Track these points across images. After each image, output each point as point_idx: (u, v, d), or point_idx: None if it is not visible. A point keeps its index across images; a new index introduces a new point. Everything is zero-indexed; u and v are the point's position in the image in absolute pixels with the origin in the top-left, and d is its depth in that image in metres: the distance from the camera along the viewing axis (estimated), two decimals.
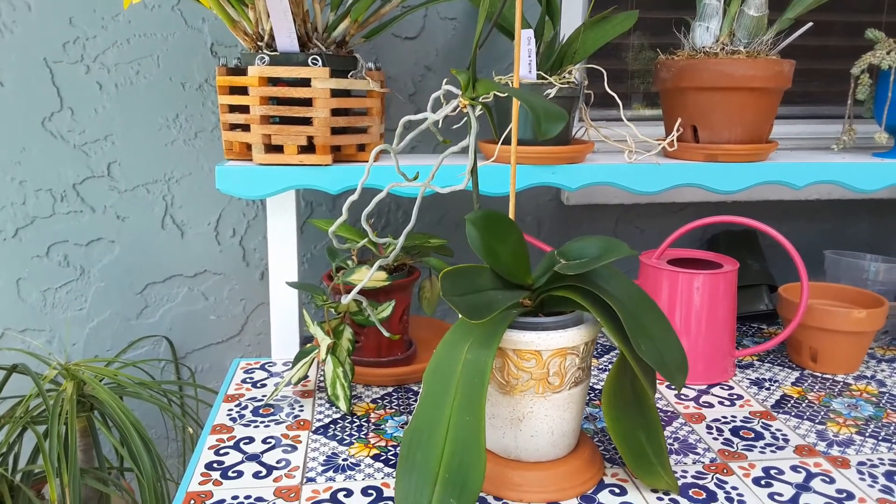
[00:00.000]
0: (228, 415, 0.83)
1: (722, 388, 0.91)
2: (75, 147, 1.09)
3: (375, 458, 0.73)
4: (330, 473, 0.70)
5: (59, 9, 1.03)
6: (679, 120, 0.92)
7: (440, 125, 0.63)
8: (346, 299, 0.69)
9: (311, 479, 0.69)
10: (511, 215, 0.65)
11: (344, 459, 0.73)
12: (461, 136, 1.06)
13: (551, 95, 0.88)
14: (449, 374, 0.61)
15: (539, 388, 0.65)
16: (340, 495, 0.66)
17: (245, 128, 0.90)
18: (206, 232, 1.15)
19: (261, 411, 0.84)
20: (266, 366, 0.97)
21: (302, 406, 0.85)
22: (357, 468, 0.71)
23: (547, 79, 0.88)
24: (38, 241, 1.12)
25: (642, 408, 0.67)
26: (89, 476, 0.87)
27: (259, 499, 0.66)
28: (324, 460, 0.73)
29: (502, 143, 0.91)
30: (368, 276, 0.66)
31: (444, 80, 0.88)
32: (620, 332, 0.61)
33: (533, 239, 0.99)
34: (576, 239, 0.64)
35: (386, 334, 0.79)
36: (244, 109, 0.89)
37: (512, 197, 0.65)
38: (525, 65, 0.87)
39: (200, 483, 0.68)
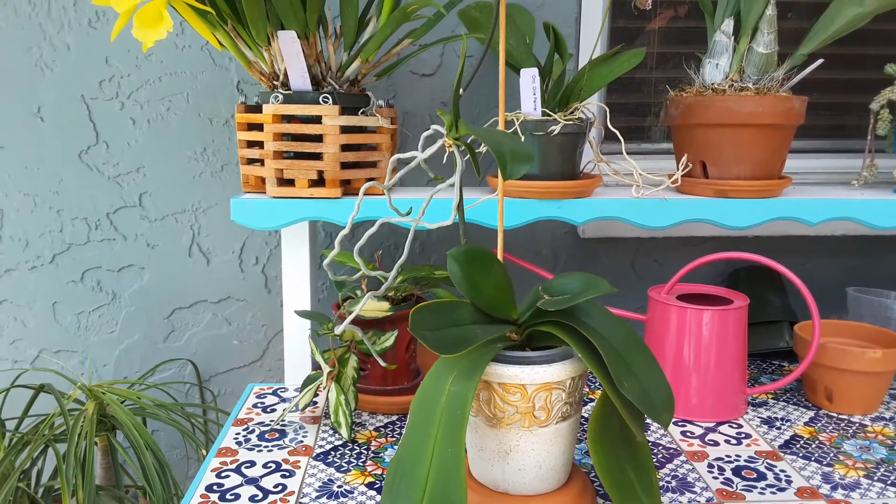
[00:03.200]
0: (235, 438, 0.85)
1: (731, 427, 0.89)
2: (109, 178, 1.15)
3: (370, 486, 0.75)
4: (323, 500, 0.72)
5: (96, 49, 1.10)
6: (685, 156, 0.92)
7: (444, 161, 0.65)
8: (339, 328, 0.71)
9: None
10: (499, 250, 0.66)
11: (339, 486, 0.74)
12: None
13: (556, 132, 0.89)
14: (433, 405, 0.63)
15: (525, 421, 0.65)
16: None
17: (261, 162, 0.94)
18: (231, 260, 1.19)
19: (266, 436, 0.86)
20: (278, 391, 1.00)
21: (307, 432, 0.87)
22: (350, 495, 0.73)
23: (551, 115, 0.89)
24: (74, 267, 1.18)
25: (631, 443, 0.67)
26: (106, 494, 0.90)
27: None
28: (319, 486, 0.74)
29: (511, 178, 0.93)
30: (359, 307, 0.68)
31: (428, 117, 0.90)
32: (603, 370, 0.61)
33: (540, 270, 1.00)
34: (560, 275, 0.65)
35: (382, 364, 0.81)
36: (260, 144, 0.93)
37: (500, 232, 0.66)
38: (530, 102, 0.89)
39: None
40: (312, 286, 0.99)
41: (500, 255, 0.67)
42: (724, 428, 0.89)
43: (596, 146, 1.00)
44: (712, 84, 0.93)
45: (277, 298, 1.21)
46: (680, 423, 0.90)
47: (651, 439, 0.86)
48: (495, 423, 0.66)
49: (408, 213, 0.68)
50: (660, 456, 0.82)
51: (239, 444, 0.84)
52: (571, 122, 0.90)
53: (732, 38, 0.91)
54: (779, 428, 0.89)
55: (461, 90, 0.58)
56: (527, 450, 0.66)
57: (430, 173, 0.67)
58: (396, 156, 0.64)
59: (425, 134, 0.65)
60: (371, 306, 0.87)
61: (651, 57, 1.27)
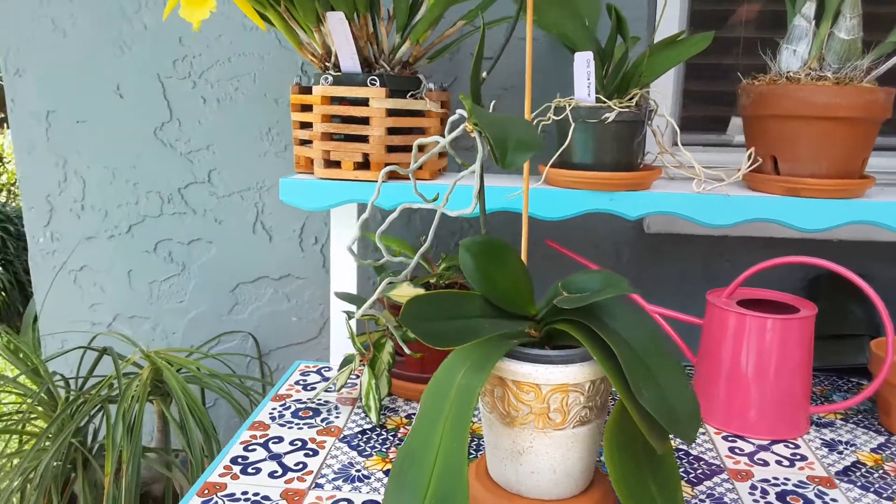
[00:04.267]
0: (271, 414, 0.87)
1: (786, 446, 0.83)
2: (181, 155, 1.20)
3: (387, 472, 0.74)
4: (339, 482, 0.72)
5: (171, 29, 1.14)
6: (752, 149, 0.85)
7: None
8: (358, 314, 0.70)
9: (318, 486, 0.71)
10: (524, 241, 0.64)
11: (357, 470, 0.74)
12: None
13: (609, 119, 0.84)
14: (444, 397, 0.61)
15: (539, 423, 0.63)
16: None
17: (311, 143, 0.95)
18: (292, 238, 1.21)
19: (301, 413, 0.87)
20: (322, 370, 1.01)
21: (339, 413, 0.87)
22: (366, 481, 0.72)
23: (605, 102, 0.84)
24: (148, 238, 1.24)
25: (653, 454, 0.63)
26: (155, 457, 0.95)
27: (265, 497, 0.69)
28: (338, 468, 0.74)
29: (560, 167, 0.89)
30: (378, 292, 0.67)
31: (492, 109, 0.87)
32: (620, 375, 0.57)
33: (592, 264, 0.96)
34: (581, 272, 0.61)
35: (407, 352, 0.80)
36: (311, 126, 0.94)
37: (525, 223, 0.63)
38: (584, 87, 0.85)
39: (220, 475, 0.73)
40: (360, 268, 0.99)
41: (524, 247, 0.64)
42: (779, 447, 0.82)
43: (660, 136, 0.94)
44: (787, 72, 0.85)
45: None
46: (730, 438, 0.84)
47: (694, 452, 0.80)
48: (509, 422, 0.64)
49: (434, 200, 0.66)
50: (699, 471, 0.76)
51: (273, 419, 0.85)
52: (627, 110, 0.85)
53: (813, 23, 0.83)
54: (840, 452, 0.82)
55: (484, 74, 0.56)
56: (540, 452, 0.63)
57: (456, 159, 0.65)
58: (418, 140, 0.62)
59: (451, 119, 0.63)
60: (407, 292, 0.86)
61: (738, 42, 1.19)
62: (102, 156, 1.21)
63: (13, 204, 3.82)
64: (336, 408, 0.89)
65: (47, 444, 0.88)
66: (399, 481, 0.62)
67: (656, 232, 1.13)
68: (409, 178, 0.92)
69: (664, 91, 1.14)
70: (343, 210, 0.97)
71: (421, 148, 0.78)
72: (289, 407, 0.89)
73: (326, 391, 0.91)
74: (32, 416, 0.98)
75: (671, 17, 1.12)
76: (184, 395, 0.94)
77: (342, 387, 0.88)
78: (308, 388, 0.95)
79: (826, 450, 0.82)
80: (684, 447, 0.81)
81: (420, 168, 0.89)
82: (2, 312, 3.10)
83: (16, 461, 0.91)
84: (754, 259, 1.15)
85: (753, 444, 0.83)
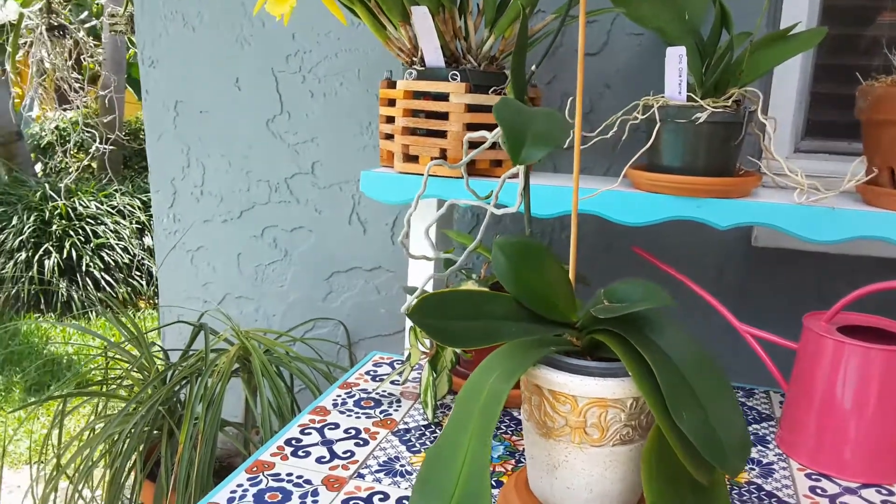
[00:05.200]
0: (334, 401, 0.89)
1: (879, 492, 0.73)
2: (289, 146, 1.25)
3: None
4: (380, 475, 0.72)
5: (286, 26, 1.19)
6: (863, 158, 0.76)
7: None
8: (403, 307, 0.69)
9: (360, 476, 0.71)
10: (573, 244, 0.60)
11: (402, 465, 0.74)
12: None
13: (701, 119, 0.78)
14: (474, 401, 0.59)
15: (575, 437, 0.59)
16: (376, 498, 0.68)
17: (394, 137, 0.96)
18: (384, 231, 1.23)
19: (362, 403, 0.88)
20: (394, 363, 1.01)
21: (399, 406, 0.88)
22: (407, 476, 0.72)
23: (698, 101, 0.78)
24: (256, 224, 1.31)
25: (701, 486, 0.58)
26: (233, 430, 1.00)
27: (306, 481, 0.70)
28: (383, 461, 0.75)
29: (645, 170, 0.84)
30: (423, 284, 0.66)
31: (594, 106, 0.84)
32: (657, 394, 0.53)
33: (689, 281, 0.90)
34: (624, 280, 0.57)
35: (458, 351, 0.78)
36: (394, 120, 0.95)
37: (574, 223, 0.60)
38: (675, 84, 0.80)
39: (272, 454, 0.75)
40: (436, 263, 0.99)
41: (573, 252, 0.61)
42: (869, 492, 0.73)
43: (767, 139, 0.86)
44: None
45: None
46: (814, 476, 0.75)
47: (768, 487, 0.73)
48: (545, 433, 0.61)
49: (486, 197, 0.64)
50: None
51: (335, 405, 0.87)
52: (723, 110, 0.78)
53: None
54: None
55: (534, 66, 0.53)
56: (576, 468, 0.60)
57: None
58: (468, 135, 0.61)
59: None
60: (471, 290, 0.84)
61: (879, 43, 1.06)
62: (220, 144, 1.29)
63: None
64: (398, 401, 0.89)
65: (137, 408, 0.95)
66: (425, 484, 0.60)
67: (765, 246, 1.04)
68: (490, 176, 0.91)
69: (786, 93, 1.05)
70: (423, 205, 0.97)
71: (472, 144, 0.76)
72: (353, 395, 0.90)
73: (392, 383, 0.91)
74: (127, 382, 1.07)
75: (797, 11, 1.02)
76: (266, 375, 0.99)
77: (406, 381, 0.88)
78: (377, 378, 0.96)
79: None
80: (758, 480, 0.74)
81: (473, 163, 0.88)
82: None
83: (102, 425, 1.00)
84: (873, 280, 1.03)
85: (839, 485, 0.74)
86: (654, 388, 0.53)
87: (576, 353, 0.60)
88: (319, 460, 0.74)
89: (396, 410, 0.86)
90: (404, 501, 0.67)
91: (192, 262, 1.38)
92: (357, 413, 0.85)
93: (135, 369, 1.04)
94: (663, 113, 0.80)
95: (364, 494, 0.68)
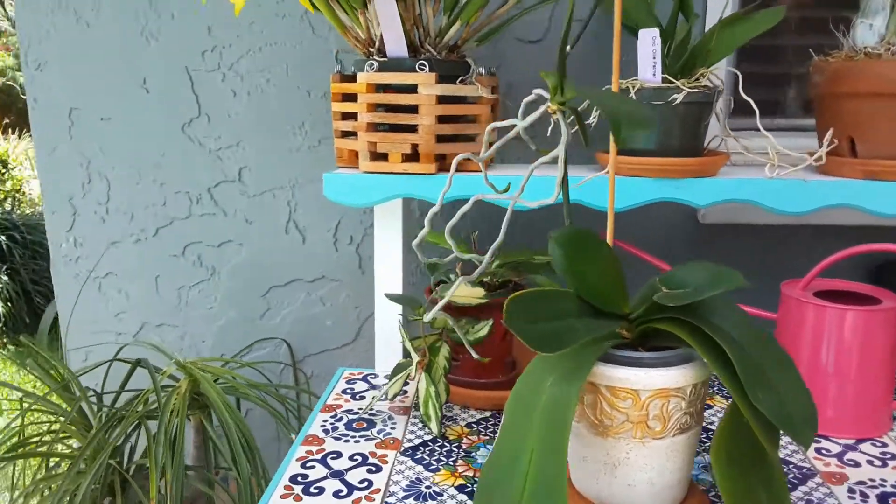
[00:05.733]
0: (323, 426, 0.82)
1: (873, 445, 0.77)
2: (210, 152, 1.15)
3: (460, 488, 0.69)
4: (410, 501, 0.67)
5: (200, 18, 1.08)
6: (831, 131, 0.80)
7: (547, 133, 0.58)
8: (428, 316, 0.65)
9: None
10: (609, 234, 0.58)
11: (427, 487, 0.69)
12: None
13: (678, 101, 0.79)
14: (530, 408, 0.56)
15: (637, 432, 0.57)
16: None
17: (354, 135, 0.89)
18: (326, 238, 1.16)
19: (354, 425, 0.82)
20: (368, 377, 0.95)
21: (395, 423, 0.82)
22: (439, 498, 0.67)
23: (673, 82, 0.79)
24: (176, 241, 1.19)
25: (763, 461, 0.58)
26: (196, 474, 0.90)
27: None
28: (406, 485, 0.69)
29: (620, 154, 0.83)
30: (450, 293, 0.62)
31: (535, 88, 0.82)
32: (734, 378, 0.52)
33: (655, 259, 0.91)
34: (683, 265, 0.56)
35: (475, 356, 0.75)
36: (354, 116, 0.89)
37: (611, 213, 0.58)
38: (649, 67, 0.80)
39: (282, 496, 0.67)
40: (405, 268, 0.94)
41: (609, 240, 0.59)
42: (866, 446, 0.77)
43: (723, 119, 0.89)
44: (864, 48, 0.79)
45: (371, 279, 1.17)
46: (815, 439, 0.79)
47: (780, 455, 0.75)
48: (601, 432, 0.59)
49: (505, 190, 0.61)
50: (791, 476, 0.71)
51: (326, 431, 0.80)
52: (697, 91, 0.79)
53: None
54: None
55: (568, 47, 0.50)
56: (638, 464, 0.58)
57: (531, 145, 0.60)
58: (493, 124, 0.57)
59: (527, 99, 0.58)
60: (464, 292, 0.80)
61: (786, 21, 1.13)
62: (128, 155, 1.16)
63: (18, 211, 3.77)
64: (390, 417, 0.84)
65: (82, 465, 0.83)
66: (486, 502, 0.57)
67: (712, 222, 1.08)
68: (462, 170, 0.87)
69: (720, 73, 1.09)
70: (387, 206, 0.92)
71: (473, 138, 0.72)
72: (340, 418, 0.84)
73: (381, 400, 0.86)
74: (63, 435, 0.93)
75: None
76: (226, 409, 0.89)
77: (396, 395, 0.83)
78: (357, 396, 0.90)
79: None
80: None
81: (444, 158, 0.84)
82: (8, 324, 3.04)
83: (53, 486, 0.87)
84: (816, 249, 1.10)
85: (839, 443, 0.78)
86: (730, 370, 0.52)
87: (625, 346, 0.58)
88: (338, 495, 0.68)
89: (394, 428, 0.81)
90: None
91: (99, 290, 1.23)
92: (354, 437, 0.79)
93: (68, 420, 0.91)
94: (640, 96, 0.80)
95: None
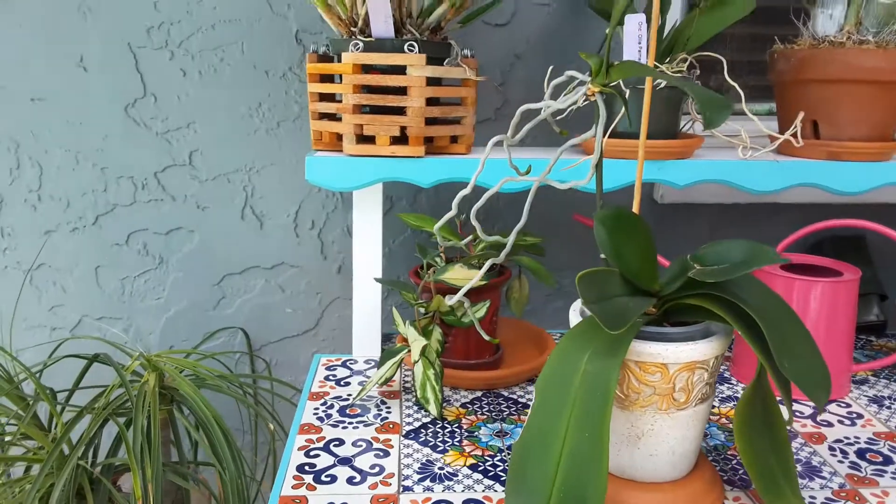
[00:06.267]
0: (315, 413, 0.79)
1: (839, 406, 0.84)
2: (157, 135, 1.08)
3: (473, 468, 0.69)
4: (427, 483, 0.66)
5: None
6: (802, 114, 0.85)
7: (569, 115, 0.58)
8: (453, 300, 0.64)
9: (408, 489, 0.65)
10: (636, 207, 0.60)
11: (440, 468, 0.69)
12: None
13: (662, 85, 0.82)
14: (566, 386, 0.57)
15: (663, 403, 0.59)
16: None
17: (334, 117, 0.87)
18: (286, 224, 1.12)
19: (347, 411, 0.80)
20: (347, 363, 0.94)
21: (389, 408, 0.81)
22: (455, 478, 0.67)
23: (659, 67, 0.82)
24: (119, 229, 1.11)
25: (773, 428, 0.61)
26: (169, 470, 0.85)
27: None
28: (419, 468, 0.69)
29: (610, 138, 0.85)
30: (479, 276, 0.62)
31: (550, 68, 0.83)
32: (762, 346, 0.55)
33: None
34: (713, 242, 0.58)
35: (486, 337, 0.75)
36: (333, 98, 0.86)
37: (637, 193, 0.59)
38: (634, 52, 0.82)
39: (294, 487, 0.65)
40: (386, 254, 0.92)
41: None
42: (833, 407, 0.84)
43: (692, 103, 0.93)
44: (826, 36, 0.85)
45: (333, 265, 1.14)
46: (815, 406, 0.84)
47: None
48: (627, 405, 0.60)
49: (527, 172, 0.61)
50: None
51: (321, 419, 0.78)
52: (680, 75, 0.82)
53: None
54: (889, 407, 0.84)
55: (608, 30, 0.51)
56: (662, 434, 0.60)
57: (555, 127, 0.60)
58: (526, 105, 0.57)
59: (556, 81, 0.58)
60: (461, 275, 0.80)
61: None
62: (63, 138, 1.07)
63: None
64: (383, 402, 0.82)
65: (54, 470, 0.77)
66: (518, 482, 0.57)
67: (669, 202, 1.12)
68: (449, 153, 0.86)
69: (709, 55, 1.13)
70: (368, 190, 0.90)
71: (459, 121, 0.72)
72: (331, 405, 0.82)
73: (377, 385, 0.84)
74: (18, 436, 0.85)
75: None
76: (202, 402, 0.85)
77: (387, 380, 0.82)
78: (342, 382, 0.88)
79: (875, 406, 0.84)
80: None
81: (431, 140, 0.83)
82: None
83: (18, 490, 0.79)
84: (763, 226, 1.17)
85: (808, 406, 0.84)
86: (760, 341, 0.55)
87: (650, 322, 0.60)
88: (352, 481, 0.66)
89: (389, 412, 0.80)
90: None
91: (31, 283, 1.13)
92: (352, 423, 0.77)
93: (25, 421, 0.83)
94: (626, 80, 0.82)
95: None
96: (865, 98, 0.83)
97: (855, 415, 0.82)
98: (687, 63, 0.84)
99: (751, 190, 0.86)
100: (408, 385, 0.87)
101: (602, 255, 0.58)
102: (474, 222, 0.60)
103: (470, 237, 0.75)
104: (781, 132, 0.89)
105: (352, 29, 0.83)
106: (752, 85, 1.21)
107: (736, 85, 0.80)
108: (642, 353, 0.58)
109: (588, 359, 0.56)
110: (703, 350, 0.58)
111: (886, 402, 0.85)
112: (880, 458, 0.72)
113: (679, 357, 0.57)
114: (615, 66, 0.52)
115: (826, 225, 0.85)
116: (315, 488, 0.65)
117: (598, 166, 0.56)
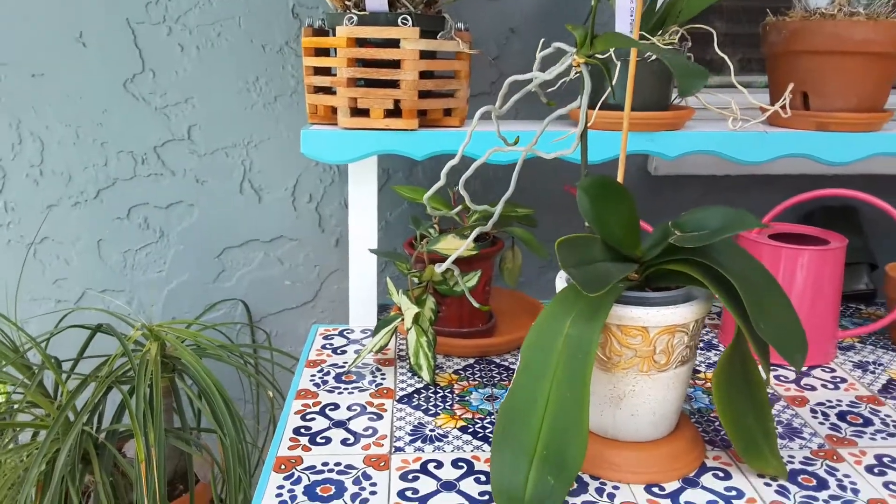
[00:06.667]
0: (311, 380, 0.82)
1: (824, 371, 0.86)
2: (156, 109, 1.09)
3: (463, 429, 0.71)
4: (418, 444, 0.68)
5: None
6: (791, 85, 0.86)
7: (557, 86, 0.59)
8: (441, 267, 0.66)
9: (399, 449, 0.67)
10: (620, 176, 0.61)
11: (431, 430, 0.71)
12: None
13: (653, 57, 0.83)
14: (549, 349, 0.59)
15: (644, 366, 0.61)
16: (430, 466, 0.65)
17: (329, 90, 0.88)
18: (283, 197, 1.14)
19: (343, 378, 0.82)
20: (344, 332, 0.96)
21: (384, 374, 0.83)
22: (445, 439, 0.69)
23: (650, 39, 0.82)
24: (120, 203, 1.13)
25: (752, 389, 0.63)
26: (172, 436, 0.88)
27: (349, 466, 0.65)
28: (411, 430, 0.71)
29: (601, 109, 0.87)
30: (466, 245, 0.63)
31: (541, 41, 0.84)
32: (740, 310, 0.57)
33: None
34: (694, 209, 0.60)
35: (476, 305, 0.77)
36: (328, 72, 0.87)
37: (622, 163, 0.61)
38: (625, 24, 0.83)
39: (290, 448, 0.68)
40: (381, 226, 0.94)
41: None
42: (818, 372, 0.86)
43: None
44: (817, 8, 0.86)
45: (332, 238, 1.16)
46: (772, 367, 0.86)
47: None
48: (609, 367, 0.62)
49: (515, 143, 0.63)
50: None
51: (317, 385, 0.80)
52: (670, 47, 0.83)
53: None
54: (873, 372, 0.86)
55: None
56: (643, 395, 0.62)
57: (542, 98, 0.61)
58: (513, 77, 0.58)
59: (543, 53, 0.59)
60: (453, 244, 0.82)
61: None
62: (64, 113, 1.09)
63: None
64: (378, 369, 0.85)
65: (59, 436, 0.79)
66: (503, 440, 0.60)
67: (663, 174, 1.14)
68: (442, 126, 0.88)
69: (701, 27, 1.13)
70: (363, 163, 0.91)
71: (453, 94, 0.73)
72: (328, 372, 0.84)
73: (372, 353, 0.86)
74: (27, 404, 0.88)
75: None
76: (203, 371, 0.87)
77: (382, 348, 0.84)
78: (338, 351, 0.90)
79: (860, 371, 0.86)
80: None
81: (425, 113, 0.85)
82: None
83: (26, 455, 0.82)
84: (753, 196, 1.19)
85: (792, 370, 0.86)
86: (737, 304, 0.57)
87: (632, 287, 0.62)
88: (345, 442, 0.69)
89: (384, 379, 0.82)
90: (460, 463, 0.65)
91: (35, 256, 1.15)
92: (347, 389, 0.80)
93: (31, 388, 0.86)
94: (617, 52, 0.83)
95: (416, 466, 0.65)
96: (856, 69, 0.84)
97: (839, 379, 0.84)
98: (679, 35, 0.84)
99: (740, 161, 0.87)
100: (402, 353, 0.89)
101: (587, 224, 0.60)
102: (463, 192, 0.61)
103: (459, 207, 0.76)
104: (773, 104, 0.90)
105: (346, 3, 0.84)
106: (751, 58, 1.22)
107: (726, 57, 0.81)
108: (623, 316, 0.60)
109: (571, 322, 0.58)
110: (682, 313, 0.60)
111: (871, 367, 0.87)
112: (860, 420, 0.74)
113: (659, 320, 0.59)
114: (599, 38, 0.53)
115: (814, 195, 0.86)
116: (310, 449, 0.68)
117: (584, 136, 0.58)
